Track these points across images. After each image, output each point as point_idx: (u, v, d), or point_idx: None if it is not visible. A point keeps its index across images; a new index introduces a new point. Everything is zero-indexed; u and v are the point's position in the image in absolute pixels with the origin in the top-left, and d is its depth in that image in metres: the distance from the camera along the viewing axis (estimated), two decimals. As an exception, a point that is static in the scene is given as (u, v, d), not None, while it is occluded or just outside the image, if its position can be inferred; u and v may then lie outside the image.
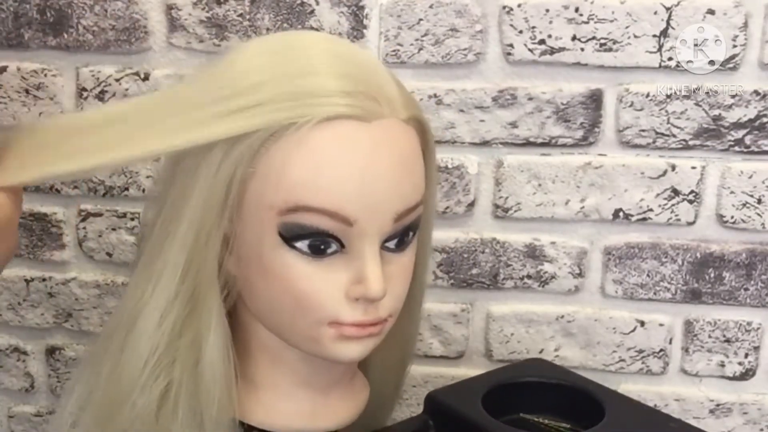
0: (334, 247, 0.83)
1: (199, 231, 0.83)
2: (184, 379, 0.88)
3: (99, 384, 0.91)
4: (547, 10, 1.26)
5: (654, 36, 1.26)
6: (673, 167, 1.30)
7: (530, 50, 1.28)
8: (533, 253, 1.36)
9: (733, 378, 1.38)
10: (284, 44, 0.87)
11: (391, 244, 0.86)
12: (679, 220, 1.32)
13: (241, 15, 1.31)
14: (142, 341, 0.87)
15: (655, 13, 1.25)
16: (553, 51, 1.28)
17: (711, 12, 1.24)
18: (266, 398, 0.94)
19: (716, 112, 1.27)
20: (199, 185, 0.83)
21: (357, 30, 1.30)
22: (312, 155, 0.80)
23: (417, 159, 0.87)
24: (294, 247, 0.82)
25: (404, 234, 0.87)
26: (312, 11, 1.30)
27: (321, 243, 0.82)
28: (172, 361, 0.88)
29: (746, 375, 1.38)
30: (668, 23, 1.25)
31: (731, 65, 1.26)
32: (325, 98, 0.80)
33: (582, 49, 1.27)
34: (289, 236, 0.82)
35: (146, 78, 1.35)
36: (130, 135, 0.82)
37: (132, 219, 1.41)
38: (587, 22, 1.26)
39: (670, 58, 1.26)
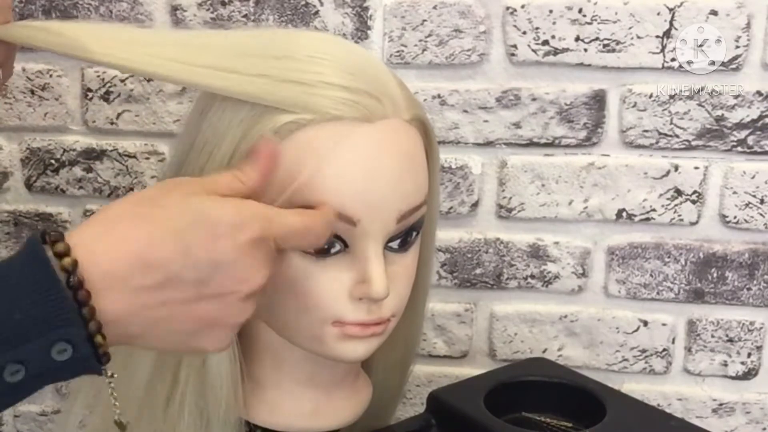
0: (337, 246, 0.83)
1: None
2: (190, 379, 0.89)
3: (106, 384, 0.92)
4: (551, 11, 1.27)
5: (657, 37, 1.26)
6: (676, 167, 1.31)
7: (534, 51, 1.29)
8: (537, 253, 1.37)
9: (736, 377, 1.39)
10: (292, 42, 0.88)
11: (395, 244, 0.87)
12: (682, 220, 1.33)
13: (245, 16, 1.31)
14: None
15: (658, 13, 1.25)
16: (556, 52, 1.28)
17: (714, 13, 1.24)
18: (270, 397, 0.94)
19: (719, 112, 1.28)
20: None
21: (361, 31, 1.31)
22: (315, 155, 0.80)
23: (420, 159, 0.87)
24: None
25: (408, 234, 0.87)
26: (316, 12, 1.30)
27: (325, 242, 0.83)
28: (179, 361, 0.89)
29: (749, 374, 1.38)
30: (671, 24, 1.25)
31: (734, 66, 1.26)
32: (329, 99, 0.81)
33: (585, 50, 1.28)
34: None
35: (151, 79, 1.35)
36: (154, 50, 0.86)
37: (137, 219, 1.41)
38: (590, 23, 1.26)
39: (673, 59, 1.27)
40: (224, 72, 0.83)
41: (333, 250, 0.83)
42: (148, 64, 0.85)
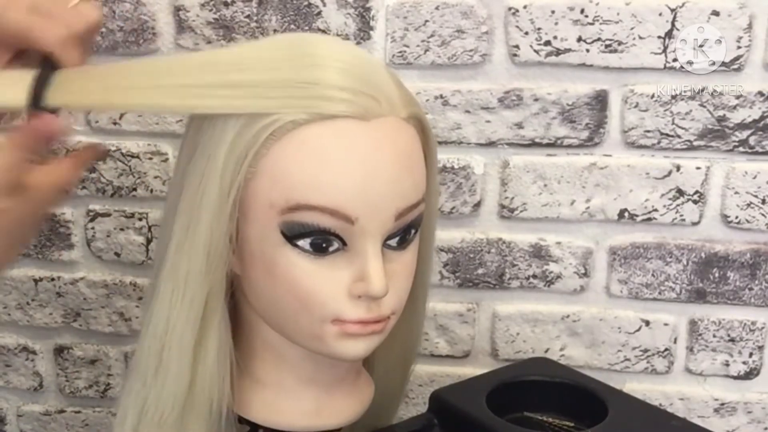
0: (336, 245, 0.83)
1: (215, 235, 0.84)
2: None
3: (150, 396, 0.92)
4: (553, 12, 1.27)
5: (659, 37, 1.26)
6: (678, 168, 1.31)
7: (536, 51, 1.29)
8: (539, 253, 1.37)
9: (738, 377, 1.39)
10: (288, 43, 0.88)
11: (393, 242, 0.87)
12: (683, 220, 1.33)
13: (248, 16, 1.32)
14: (179, 363, 0.89)
15: (660, 14, 1.25)
16: (558, 52, 1.28)
17: (715, 13, 1.24)
18: (271, 396, 0.94)
19: (721, 112, 1.28)
20: (208, 191, 0.83)
21: (363, 31, 1.31)
22: (313, 154, 0.81)
23: (417, 157, 0.87)
24: (296, 246, 0.83)
25: (406, 232, 0.88)
26: (319, 13, 1.31)
27: (323, 241, 0.83)
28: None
29: (750, 374, 1.38)
30: (673, 24, 1.25)
31: (735, 66, 1.26)
32: (326, 97, 0.81)
33: (587, 50, 1.28)
34: (291, 235, 0.82)
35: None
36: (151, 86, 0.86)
37: (140, 219, 1.42)
38: (592, 24, 1.27)
39: (674, 59, 1.27)
40: (222, 89, 0.83)
41: (331, 249, 0.84)
42: (144, 99, 0.86)
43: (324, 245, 0.83)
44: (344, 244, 0.84)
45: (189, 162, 0.87)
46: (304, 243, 0.83)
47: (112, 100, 0.87)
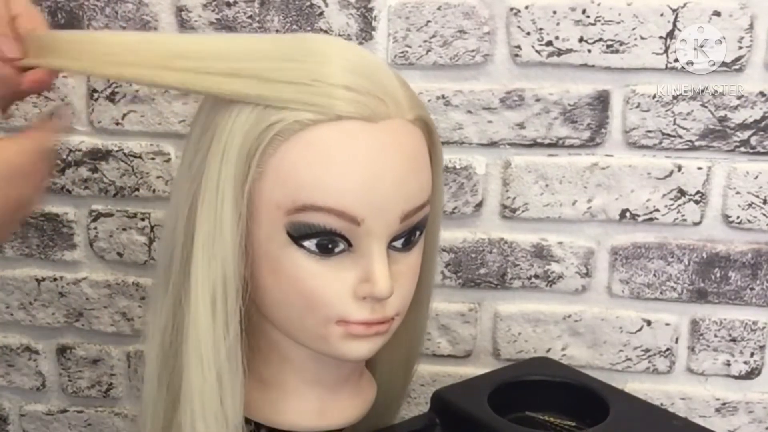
0: (341, 246, 0.84)
1: (235, 239, 0.84)
2: None
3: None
4: (554, 12, 1.27)
5: (660, 37, 1.26)
6: (680, 168, 1.31)
7: (537, 52, 1.29)
8: (540, 253, 1.37)
9: (739, 377, 1.39)
10: (297, 41, 0.88)
11: (398, 244, 0.87)
12: (685, 220, 1.33)
13: (250, 17, 1.32)
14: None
15: (662, 14, 1.25)
16: (560, 52, 1.29)
17: (717, 14, 1.24)
18: (274, 396, 0.95)
19: (722, 113, 1.28)
20: (218, 194, 0.83)
21: (366, 32, 1.31)
22: (319, 155, 0.81)
23: (423, 159, 0.87)
24: (302, 246, 0.83)
25: (411, 233, 0.88)
26: (321, 13, 1.31)
27: (329, 242, 0.83)
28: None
29: (752, 374, 1.38)
30: (674, 25, 1.26)
31: (737, 67, 1.26)
32: (333, 97, 0.81)
33: (589, 51, 1.28)
34: (297, 235, 0.83)
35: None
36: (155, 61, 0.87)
37: (142, 219, 1.42)
38: (594, 24, 1.27)
39: (676, 60, 1.27)
40: (232, 77, 0.83)
41: (337, 250, 0.84)
42: (155, 77, 0.86)
43: (330, 246, 0.83)
44: (350, 245, 0.84)
45: (202, 161, 0.87)
46: (310, 244, 0.83)
47: (118, 72, 0.89)
